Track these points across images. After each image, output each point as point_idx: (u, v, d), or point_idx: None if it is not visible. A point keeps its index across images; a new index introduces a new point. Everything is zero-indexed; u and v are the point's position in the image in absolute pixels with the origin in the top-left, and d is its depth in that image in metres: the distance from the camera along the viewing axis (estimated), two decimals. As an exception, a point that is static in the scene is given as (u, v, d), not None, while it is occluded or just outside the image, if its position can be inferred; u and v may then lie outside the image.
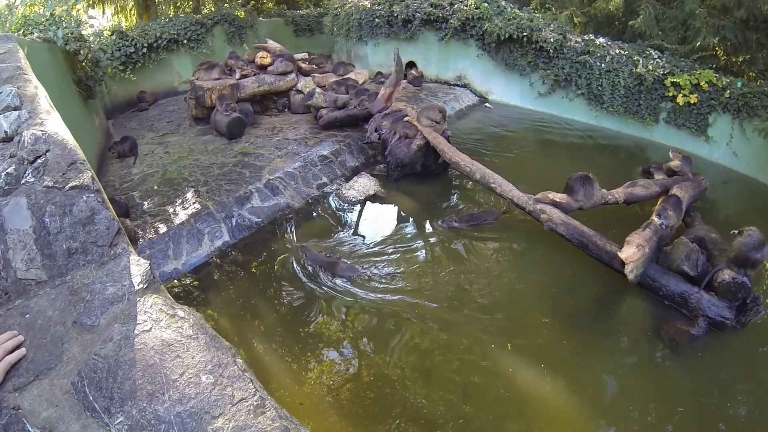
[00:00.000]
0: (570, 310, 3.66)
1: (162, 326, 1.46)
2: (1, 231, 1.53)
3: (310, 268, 4.19)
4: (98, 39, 8.81)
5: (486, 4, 9.31)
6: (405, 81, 9.58)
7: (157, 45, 9.55)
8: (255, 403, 1.33)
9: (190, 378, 1.35)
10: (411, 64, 10.47)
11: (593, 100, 8.46)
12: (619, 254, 3.59)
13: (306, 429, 1.33)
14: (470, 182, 5.40)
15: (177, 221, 4.62)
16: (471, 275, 4.16)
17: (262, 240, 4.84)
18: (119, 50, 8.95)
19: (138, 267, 1.58)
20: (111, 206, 1.70)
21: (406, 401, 3.02)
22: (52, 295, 1.50)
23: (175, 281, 4.20)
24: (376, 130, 6.43)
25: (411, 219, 5.17)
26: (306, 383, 3.20)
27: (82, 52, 6.19)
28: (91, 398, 1.32)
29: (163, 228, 4.51)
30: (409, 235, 4.83)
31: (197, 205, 4.89)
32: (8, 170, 1.63)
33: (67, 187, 1.65)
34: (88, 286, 1.51)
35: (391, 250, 4.54)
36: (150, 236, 4.39)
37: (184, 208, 4.83)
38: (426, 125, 5.85)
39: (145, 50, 9.35)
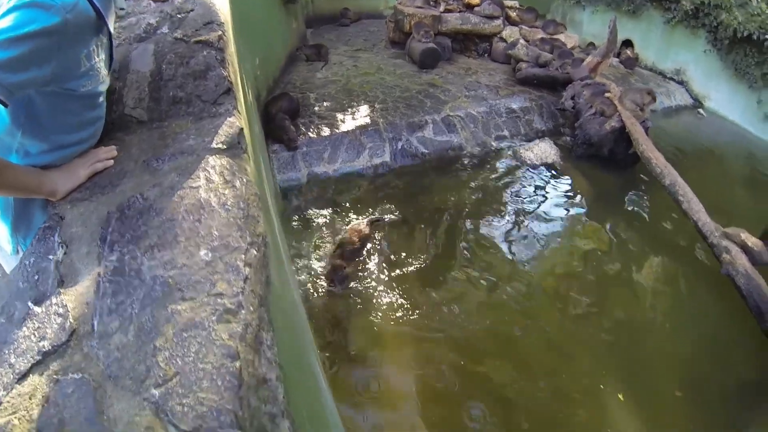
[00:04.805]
0: (710, 389, 2.81)
1: (210, 188, 1.25)
2: (125, 71, 1.57)
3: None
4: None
5: (728, -10, 7.13)
6: (617, 60, 8.37)
7: (368, -34, 9.64)
8: (228, 306, 0.98)
9: (190, 246, 1.10)
10: (627, 43, 8.96)
11: (833, 145, 6.05)
12: None
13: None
14: (657, 188, 4.46)
15: (342, 129, 4.65)
16: (616, 296, 3.43)
17: (421, 172, 4.60)
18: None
19: (228, 128, 1.41)
20: (230, 68, 1.63)
21: (483, 408, 2.56)
22: (144, 135, 1.43)
23: (320, 183, 4.25)
24: (572, 98, 5.80)
25: (580, 201, 4.52)
26: (391, 343, 2.83)
27: (286, -42, 6.40)
28: (110, 230, 1.21)
29: (326, 131, 4.58)
30: (572, 221, 4.22)
31: (367, 119, 4.85)
32: (151, 21, 1.70)
33: (192, 40, 1.62)
34: (176, 135, 1.43)
35: (545, 230, 4.02)
36: (312, 135, 4.50)
37: (354, 119, 4.84)
38: (628, 108, 5.05)
39: (355, -31, 9.44)
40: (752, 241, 3.49)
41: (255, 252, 1.08)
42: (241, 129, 1.44)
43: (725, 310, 3.37)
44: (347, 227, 3.58)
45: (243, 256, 1.06)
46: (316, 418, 1.33)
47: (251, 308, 0.97)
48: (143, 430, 0.86)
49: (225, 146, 1.37)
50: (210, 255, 1.06)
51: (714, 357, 3.06)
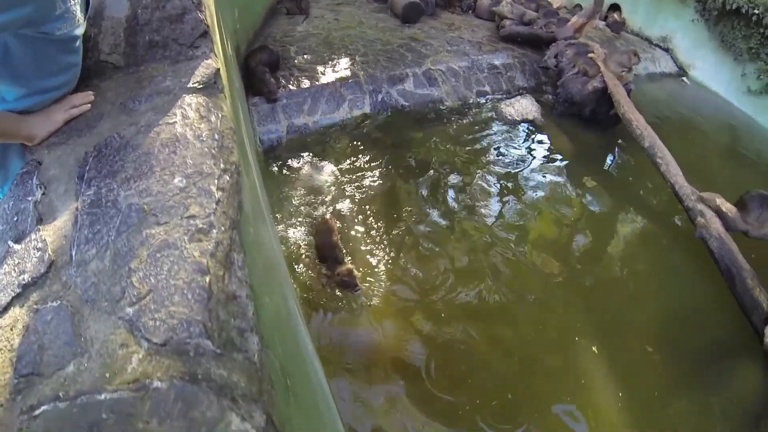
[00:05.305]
0: (679, 346, 2.91)
1: (185, 123, 1.22)
2: (100, 17, 1.53)
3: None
4: None
5: (720, -40, 6.86)
6: (603, 23, 8.29)
7: None
8: (200, 226, 0.97)
9: (165, 175, 1.08)
10: (615, 7, 8.88)
11: (810, 125, 5.99)
12: None
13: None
14: (636, 150, 4.48)
15: (322, 81, 4.62)
16: (592, 254, 3.48)
17: (401, 124, 4.61)
18: None
19: (205, 69, 1.39)
20: (206, 12, 1.57)
21: (455, 345, 2.66)
22: (120, 80, 1.40)
23: (300, 135, 4.25)
24: (555, 56, 5.76)
25: (560, 158, 4.52)
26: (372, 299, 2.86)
27: None
28: (87, 168, 1.21)
29: (306, 83, 4.54)
30: (550, 179, 4.19)
31: (348, 72, 4.83)
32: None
33: (168, -15, 1.59)
34: (153, 78, 1.41)
35: (524, 186, 4.05)
36: (292, 88, 4.45)
37: (334, 71, 4.81)
38: (612, 70, 5.04)
39: None
40: (727, 207, 3.54)
41: (228, 178, 1.07)
42: (218, 69, 1.41)
43: (697, 272, 3.44)
44: (319, 222, 3.33)
45: (216, 181, 1.05)
46: (291, 346, 1.33)
47: (222, 228, 0.96)
48: (118, 347, 0.86)
49: (201, 86, 1.35)
50: (184, 182, 1.05)
51: (684, 316, 3.12)
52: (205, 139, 1.16)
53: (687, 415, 2.56)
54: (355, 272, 2.89)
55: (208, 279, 0.86)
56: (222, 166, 1.08)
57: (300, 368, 1.32)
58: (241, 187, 1.10)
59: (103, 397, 0.81)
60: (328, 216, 3.29)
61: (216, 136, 1.17)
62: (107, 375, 0.84)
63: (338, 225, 3.23)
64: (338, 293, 2.84)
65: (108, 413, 0.80)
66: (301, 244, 3.15)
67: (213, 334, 0.81)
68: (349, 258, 3.05)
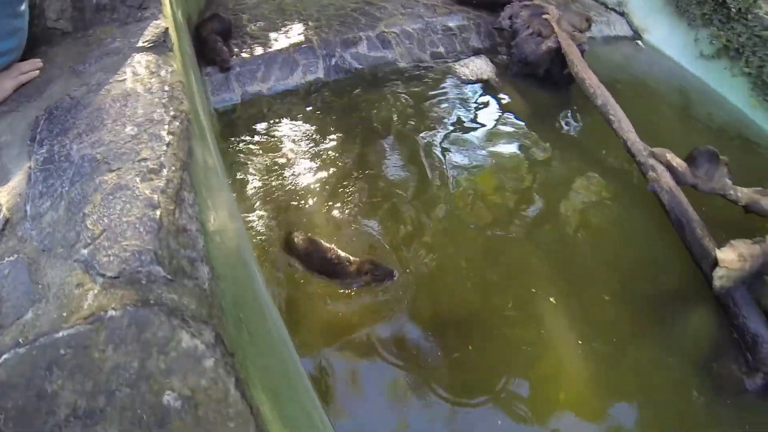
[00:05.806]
0: (633, 293, 3.04)
1: (136, 79, 1.21)
2: None
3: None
4: None
5: None
6: None
7: None
8: (152, 167, 0.97)
9: (116, 126, 1.07)
10: None
11: (759, 88, 6.47)
12: (718, 253, 3.03)
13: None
14: (590, 109, 4.54)
15: (275, 47, 4.64)
16: (549, 210, 3.57)
17: (356, 88, 4.65)
18: None
19: (154, 29, 1.38)
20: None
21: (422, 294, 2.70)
22: (68, 46, 1.37)
23: (256, 101, 4.19)
24: (510, 17, 5.83)
25: (515, 118, 4.60)
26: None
27: None
28: (38, 130, 1.19)
29: (259, 51, 4.55)
30: (506, 137, 4.26)
31: (301, 37, 4.85)
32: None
33: (114, -50, 1.57)
34: (102, 40, 1.41)
35: (480, 145, 4.10)
36: (245, 56, 4.46)
37: (288, 37, 4.83)
38: (564, 29, 5.13)
39: None
40: (677, 162, 3.65)
41: (178, 124, 1.06)
42: (167, 28, 1.39)
43: (651, 225, 3.55)
44: (297, 242, 2.85)
45: (166, 126, 1.04)
46: (245, 288, 1.35)
47: (173, 168, 0.96)
48: (74, 288, 0.87)
49: (151, 44, 1.33)
50: (135, 130, 1.04)
51: (639, 266, 3.23)
52: (155, 91, 1.15)
53: (644, 360, 2.67)
54: (376, 260, 2.65)
55: (158, 212, 0.87)
56: (172, 113, 1.08)
57: (256, 311, 1.33)
58: (191, 134, 1.10)
59: (60, 335, 0.82)
60: (300, 235, 2.84)
61: (166, 88, 1.16)
62: (64, 314, 0.84)
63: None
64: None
65: (65, 349, 0.80)
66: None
67: (164, 261, 0.81)
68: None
